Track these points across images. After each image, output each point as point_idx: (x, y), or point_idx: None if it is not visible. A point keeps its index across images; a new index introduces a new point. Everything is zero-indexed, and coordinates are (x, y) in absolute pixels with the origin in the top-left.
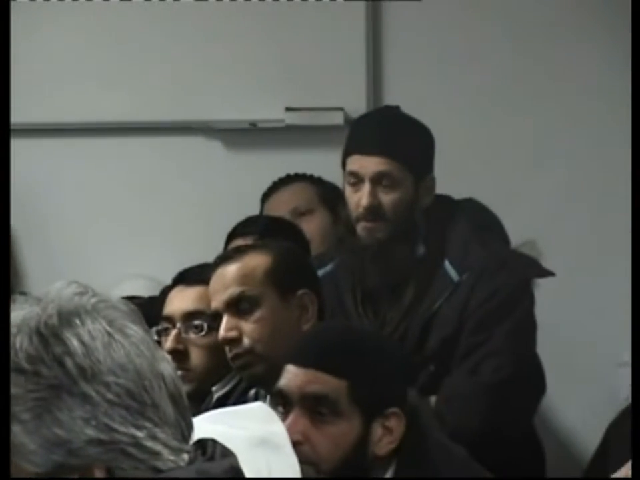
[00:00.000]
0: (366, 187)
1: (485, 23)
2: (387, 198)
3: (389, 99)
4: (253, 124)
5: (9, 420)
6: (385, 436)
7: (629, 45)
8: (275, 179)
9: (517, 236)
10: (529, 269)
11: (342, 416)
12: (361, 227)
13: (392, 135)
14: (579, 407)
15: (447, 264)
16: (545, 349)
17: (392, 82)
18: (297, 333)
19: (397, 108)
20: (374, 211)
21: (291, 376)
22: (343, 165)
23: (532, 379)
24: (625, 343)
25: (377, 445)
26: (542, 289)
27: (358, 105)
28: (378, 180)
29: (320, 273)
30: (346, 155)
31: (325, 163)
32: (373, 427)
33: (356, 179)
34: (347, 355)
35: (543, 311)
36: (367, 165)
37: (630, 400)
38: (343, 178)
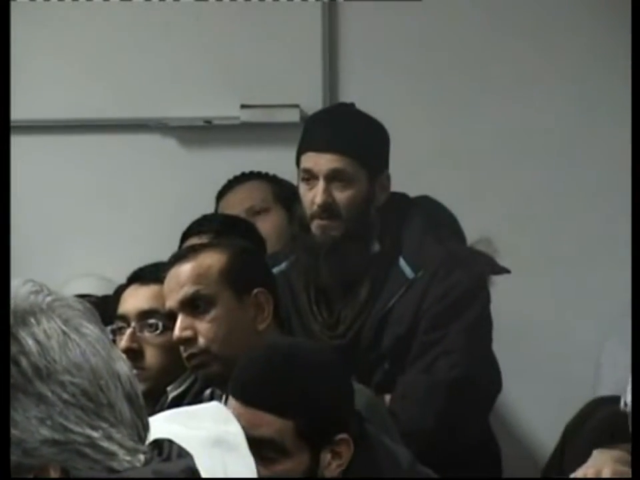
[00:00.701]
0: (320, 185)
1: (441, 21)
2: (341, 195)
3: (345, 96)
4: (208, 121)
5: (8, 419)
6: (334, 460)
7: (601, 36)
8: (230, 177)
9: (473, 234)
10: (485, 266)
11: (289, 455)
12: (315, 225)
13: (346, 131)
14: (536, 404)
15: (401, 261)
16: (500, 346)
17: (348, 79)
18: (252, 333)
19: (351, 105)
20: (328, 209)
21: (232, 411)
22: (298, 162)
23: (487, 377)
24: (586, 340)
25: (326, 469)
26: (497, 286)
27: (314, 102)
28: (332, 177)
29: (275, 271)
30: (300, 152)
31: (280, 161)
32: (322, 455)
33: (310, 177)
34: (291, 391)
35: (498, 308)
36: (321, 162)
37: (591, 398)
38: (298, 175)
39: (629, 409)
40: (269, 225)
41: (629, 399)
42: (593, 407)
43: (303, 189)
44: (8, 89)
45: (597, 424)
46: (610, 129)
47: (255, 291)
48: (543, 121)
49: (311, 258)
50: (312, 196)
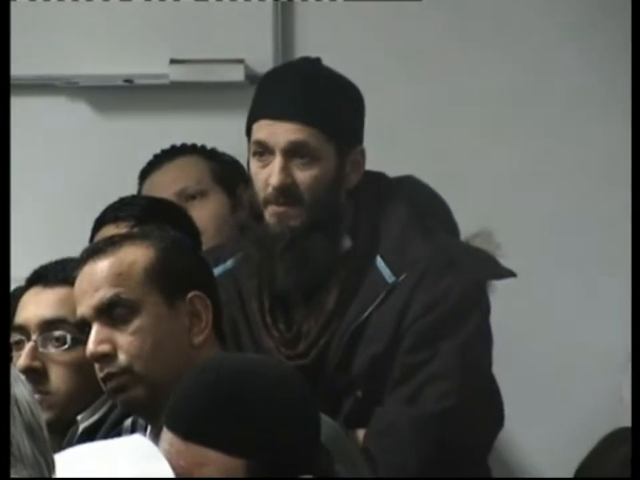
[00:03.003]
0: (277, 161)
1: None
2: (303, 175)
3: (302, 49)
4: (129, 80)
5: (8, 419)
6: None
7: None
8: (158, 150)
9: (467, 224)
10: (484, 267)
11: None
12: (270, 212)
13: (310, 94)
14: (546, 441)
15: (379, 261)
16: (502, 369)
17: (305, 29)
18: (186, 348)
19: (317, 61)
20: (286, 192)
21: (169, 447)
22: (248, 132)
23: (486, 409)
24: (611, 358)
25: None
26: (500, 292)
27: (262, 57)
28: (292, 152)
29: (216, 270)
30: (252, 119)
31: (221, 131)
32: None
33: (264, 151)
34: (243, 423)
35: (500, 321)
36: (279, 132)
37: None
38: (248, 149)
39: (625, 402)
40: (206, 212)
41: (626, 394)
42: (614, 442)
43: (254, 166)
44: (8, 89)
45: (622, 463)
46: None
47: (190, 294)
48: (539, 77)
49: (264, 254)
50: (266, 175)
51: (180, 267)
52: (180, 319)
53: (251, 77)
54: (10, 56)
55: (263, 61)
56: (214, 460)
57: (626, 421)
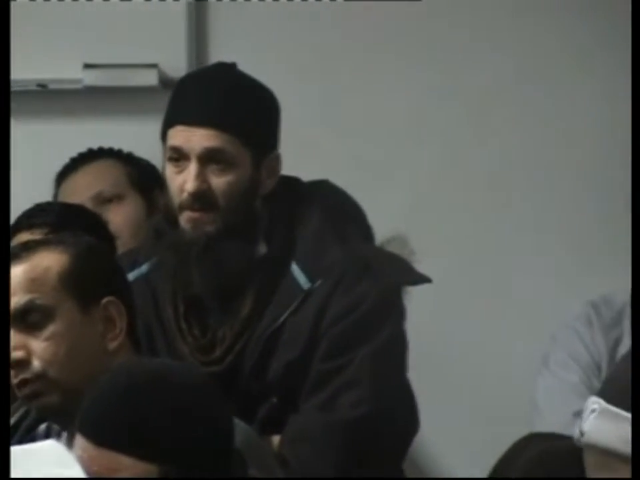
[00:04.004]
0: (192, 167)
1: None
2: (218, 181)
3: (216, 55)
4: (42, 85)
5: (8, 419)
6: None
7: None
8: (72, 155)
9: (382, 229)
10: (399, 273)
11: None
12: (185, 218)
13: (226, 100)
14: (461, 447)
15: (294, 267)
16: (417, 375)
17: (219, 33)
18: (101, 353)
19: (232, 66)
20: (202, 198)
21: (82, 453)
22: (163, 137)
23: (401, 415)
24: (521, 367)
25: None
26: (415, 297)
27: (176, 62)
28: (208, 158)
29: (131, 276)
30: (167, 125)
31: (136, 136)
32: None
33: (179, 156)
34: (156, 428)
35: (415, 327)
36: (194, 138)
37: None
38: (163, 154)
39: (585, 439)
40: (121, 217)
41: (586, 427)
42: (524, 445)
43: (170, 171)
44: (8, 89)
45: (527, 464)
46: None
47: (104, 300)
48: (456, 77)
49: (179, 260)
50: (181, 181)
51: (94, 272)
52: (94, 325)
53: (164, 81)
54: (10, 57)
55: (177, 65)
56: (127, 465)
57: (540, 425)
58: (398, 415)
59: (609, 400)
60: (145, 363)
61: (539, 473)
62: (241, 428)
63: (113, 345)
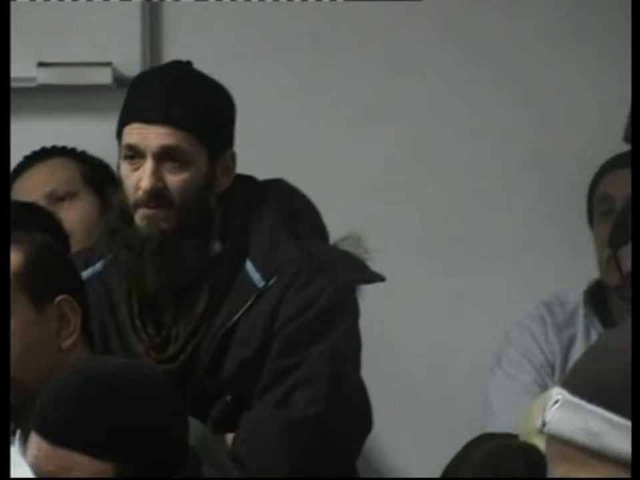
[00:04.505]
0: (148, 165)
1: None
2: (174, 179)
3: (171, 52)
4: None
5: (8, 419)
6: None
7: None
8: (27, 152)
9: (336, 228)
10: (353, 272)
11: None
12: (140, 215)
13: (182, 98)
14: (415, 445)
15: (249, 265)
16: (371, 374)
17: (173, 31)
18: (55, 352)
19: (188, 64)
20: (157, 196)
21: (37, 452)
22: (119, 135)
23: (355, 413)
24: (478, 365)
25: None
26: (369, 296)
27: (130, 60)
28: (163, 156)
29: (85, 273)
30: (123, 123)
31: (90, 134)
32: None
33: (135, 154)
34: (110, 427)
35: (368, 325)
36: (150, 136)
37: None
38: (119, 152)
39: (547, 429)
40: (75, 215)
41: (548, 417)
42: (476, 445)
43: (125, 169)
44: (8, 90)
45: (478, 460)
46: None
47: (59, 298)
48: (408, 77)
49: (134, 257)
50: (137, 179)
51: (49, 270)
52: (48, 323)
53: (118, 79)
54: (10, 56)
55: (131, 63)
56: (82, 464)
57: (492, 425)
58: (351, 413)
59: (572, 391)
60: (101, 361)
61: (489, 470)
62: (194, 426)
63: (67, 343)
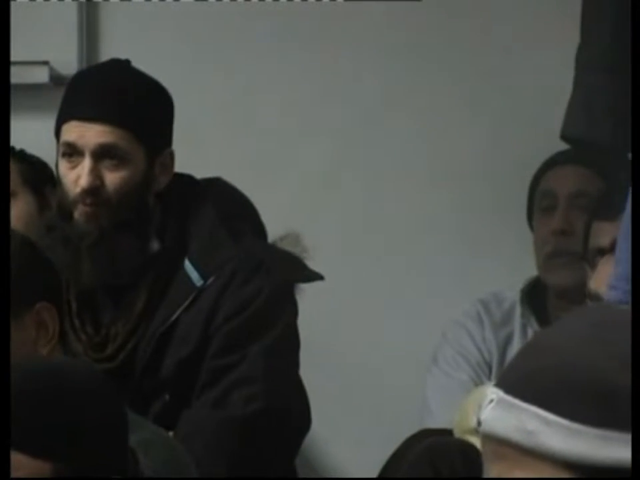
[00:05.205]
0: (86, 163)
1: None
2: (112, 177)
3: (108, 51)
4: None
5: (9, 420)
6: None
7: None
8: None
9: (275, 227)
10: (291, 270)
11: None
12: (78, 212)
13: (120, 96)
14: (354, 443)
15: (187, 264)
16: (309, 372)
17: (111, 30)
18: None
19: (126, 62)
20: (96, 193)
21: None
22: (57, 133)
23: (293, 411)
24: (418, 358)
25: None
26: (307, 294)
27: (67, 58)
28: (101, 154)
29: None
30: (61, 121)
31: (27, 132)
32: None
33: (73, 152)
34: (48, 426)
35: (307, 324)
36: (88, 134)
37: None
38: (57, 150)
39: (482, 428)
40: (14, 213)
41: (483, 416)
42: (413, 442)
43: (63, 167)
44: (8, 91)
45: (417, 457)
46: None
47: (38, 306)
48: (345, 77)
49: (70, 252)
50: (75, 177)
51: (27, 276)
52: (27, 330)
53: (55, 78)
54: (10, 53)
55: (68, 62)
56: (21, 463)
57: (430, 423)
58: (289, 411)
59: (506, 390)
60: (39, 360)
61: (427, 467)
62: (136, 425)
63: (44, 351)
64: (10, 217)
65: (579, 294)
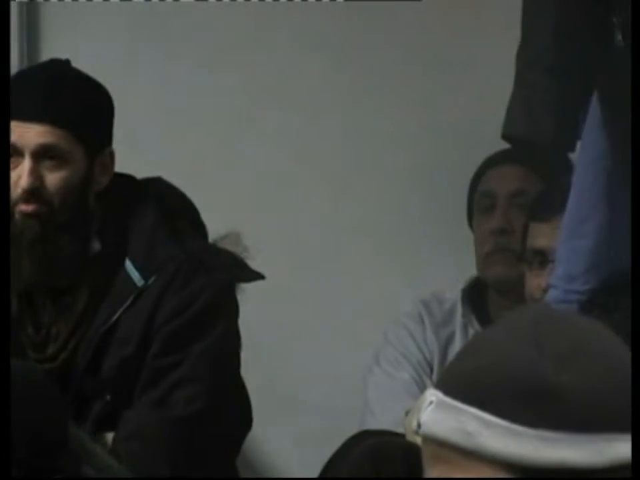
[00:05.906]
0: (26, 163)
1: None
2: (52, 177)
3: (48, 51)
4: None
5: (9, 421)
6: None
7: None
8: None
9: (215, 226)
10: (233, 270)
11: None
12: (19, 211)
13: (59, 96)
14: (294, 444)
15: (128, 264)
16: (250, 372)
17: (51, 30)
18: None
19: (66, 63)
20: (36, 194)
21: None
22: None
23: (235, 411)
24: (361, 358)
25: None
26: (248, 294)
27: None
28: (41, 154)
29: None
30: None
31: None
32: None
33: (14, 152)
34: None
35: (247, 324)
36: (28, 134)
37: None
38: None
39: (422, 430)
40: None
41: (423, 418)
42: (355, 443)
43: None
44: (8, 91)
45: (358, 458)
46: None
47: None
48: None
49: (12, 251)
50: (16, 177)
51: None
52: None
53: None
54: (10, 55)
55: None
56: None
57: (371, 422)
58: (231, 411)
59: (446, 391)
60: None
61: (369, 468)
62: (73, 426)
63: None
64: (9, 215)
65: (518, 292)
